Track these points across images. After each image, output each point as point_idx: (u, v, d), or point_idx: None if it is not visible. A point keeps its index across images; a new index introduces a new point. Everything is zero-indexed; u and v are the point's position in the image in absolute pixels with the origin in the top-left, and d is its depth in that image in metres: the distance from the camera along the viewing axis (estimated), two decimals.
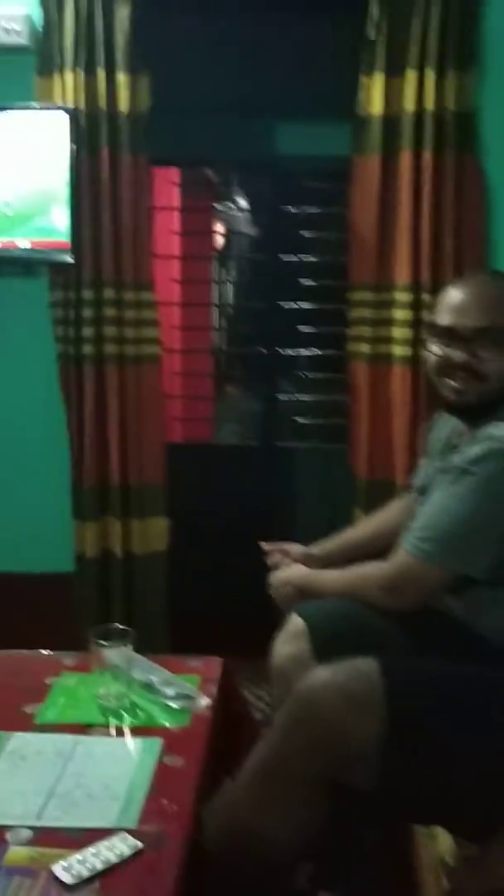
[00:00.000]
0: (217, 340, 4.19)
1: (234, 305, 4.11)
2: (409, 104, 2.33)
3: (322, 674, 1.41)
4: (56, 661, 1.84)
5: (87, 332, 2.49)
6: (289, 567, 1.87)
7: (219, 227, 4.09)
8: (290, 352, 2.97)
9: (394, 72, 2.34)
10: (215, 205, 4.19)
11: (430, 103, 2.32)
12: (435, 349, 1.62)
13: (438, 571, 1.56)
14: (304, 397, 3.14)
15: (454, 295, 1.62)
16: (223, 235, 4.21)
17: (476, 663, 1.50)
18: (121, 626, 1.70)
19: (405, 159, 2.36)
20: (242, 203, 4.78)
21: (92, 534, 2.58)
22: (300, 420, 3.12)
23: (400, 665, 1.47)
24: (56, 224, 2.42)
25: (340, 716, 1.33)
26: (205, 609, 2.78)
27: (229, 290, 4.27)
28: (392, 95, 2.36)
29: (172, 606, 2.67)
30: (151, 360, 2.55)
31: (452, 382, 1.60)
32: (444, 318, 1.61)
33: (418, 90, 2.32)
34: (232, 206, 4.65)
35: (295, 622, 1.71)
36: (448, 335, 1.60)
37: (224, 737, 1.69)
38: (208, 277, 3.68)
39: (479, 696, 1.43)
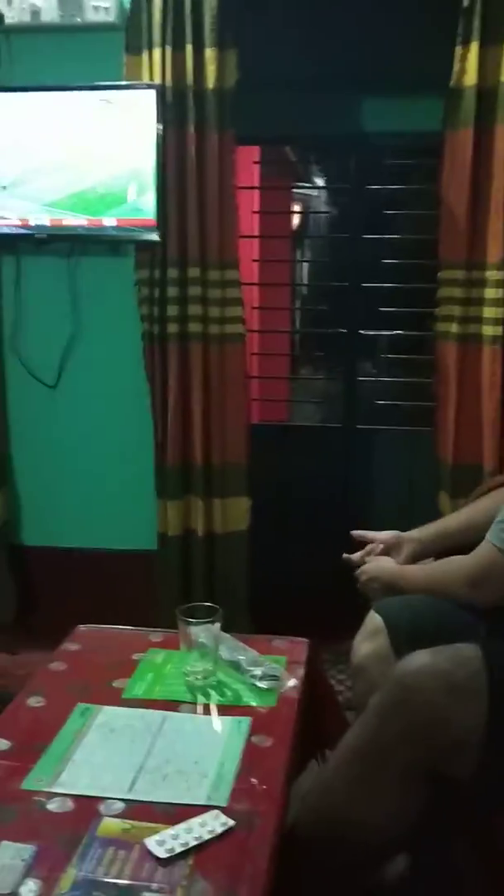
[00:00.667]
0: (295, 321, 4.16)
1: (313, 285, 4.07)
2: None
3: (423, 658, 1.38)
4: (143, 638, 1.85)
5: (172, 310, 2.49)
6: (377, 560, 1.85)
7: (298, 207, 4.05)
8: (371, 333, 2.92)
9: (490, 41, 2.25)
10: (295, 184, 4.16)
11: None
12: None
13: None
14: (386, 379, 3.10)
15: None
16: (302, 214, 4.18)
17: None
18: (209, 604, 1.70)
19: (501, 133, 2.28)
20: (321, 182, 4.72)
21: (174, 512, 2.60)
22: (381, 402, 3.08)
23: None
24: (142, 203, 2.43)
25: (442, 702, 1.30)
26: (285, 589, 2.78)
27: (307, 270, 4.24)
28: (488, 66, 2.27)
29: (252, 586, 2.67)
30: (236, 339, 2.53)
31: None
32: None
33: None
34: (311, 184, 4.59)
35: (374, 619, 1.70)
36: None
37: (309, 718, 1.68)
38: (287, 257, 3.65)
39: None
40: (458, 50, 2.28)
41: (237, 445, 2.58)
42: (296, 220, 4.07)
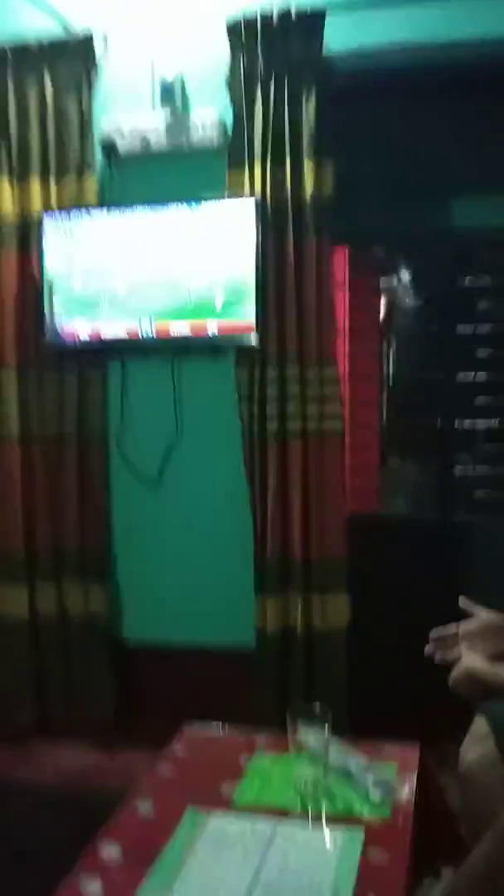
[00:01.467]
0: (386, 413, 4.18)
1: (404, 377, 4.11)
2: None
3: None
4: (250, 741, 1.83)
5: (271, 409, 2.55)
6: (467, 656, 1.77)
7: (386, 302, 4.12)
8: (466, 423, 2.91)
9: None
10: (382, 279, 4.26)
11: None
12: None
13: None
14: (483, 469, 3.06)
15: None
16: (390, 310, 4.25)
17: None
18: (319, 704, 1.68)
19: None
20: (408, 278, 4.81)
21: (273, 608, 2.59)
22: (478, 493, 3.03)
23: None
24: (243, 308, 2.52)
25: None
26: (386, 688, 2.71)
27: (397, 362, 4.27)
28: None
29: (352, 685, 2.61)
30: (333, 434, 2.56)
31: None
32: None
33: None
34: (399, 280, 4.69)
35: (480, 723, 1.64)
36: None
37: (422, 829, 1.62)
38: (376, 351, 3.70)
39: None
40: None
41: (335, 540, 2.57)
42: (387, 314, 4.14)
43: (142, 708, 2.81)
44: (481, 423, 3.12)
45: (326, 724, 1.63)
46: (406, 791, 1.60)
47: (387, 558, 2.89)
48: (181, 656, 2.81)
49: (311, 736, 1.63)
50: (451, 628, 1.82)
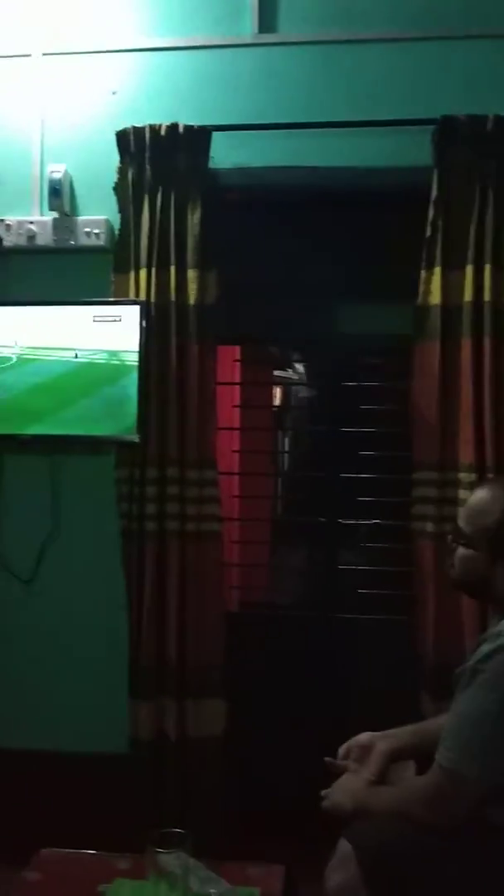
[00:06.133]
0: (276, 508, 4.22)
1: (293, 474, 4.17)
2: (468, 295, 2.42)
3: None
4: (110, 865, 1.76)
5: (151, 508, 2.53)
6: (341, 782, 1.80)
7: (278, 399, 4.21)
8: (350, 522, 2.96)
9: (451, 266, 2.44)
10: (276, 374, 4.36)
11: (488, 295, 2.40)
12: None
13: (470, 782, 1.51)
14: (366, 567, 3.09)
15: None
16: (282, 407, 4.34)
17: None
18: (179, 830, 1.62)
19: (465, 346, 2.42)
20: (302, 373, 4.94)
21: (147, 714, 2.51)
22: (363, 591, 3.06)
23: None
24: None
25: None
26: (265, 795, 2.65)
27: (288, 459, 4.34)
28: (450, 288, 2.44)
29: (231, 794, 2.54)
30: (212, 536, 2.56)
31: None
32: None
33: (476, 283, 2.41)
34: (292, 375, 4.82)
35: (343, 846, 1.63)
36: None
37: None
38: (268, 447, 3.75)
39: None
40: (423, 273, 2.47)
41: (213, 644, 2.54)
42: (279, 411, 4.22)
43: (8, 819, 2.63)
44: (365, 523, 3.17)
45: (186, 848, 1.58)
46: None
47: (270, 654, 2.87)
48: (53, 761, 2.67)
49: (171, 861, 1.57)
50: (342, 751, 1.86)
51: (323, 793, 1.81)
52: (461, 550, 1.77)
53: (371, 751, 1.82)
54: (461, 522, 1.79)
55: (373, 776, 1.76)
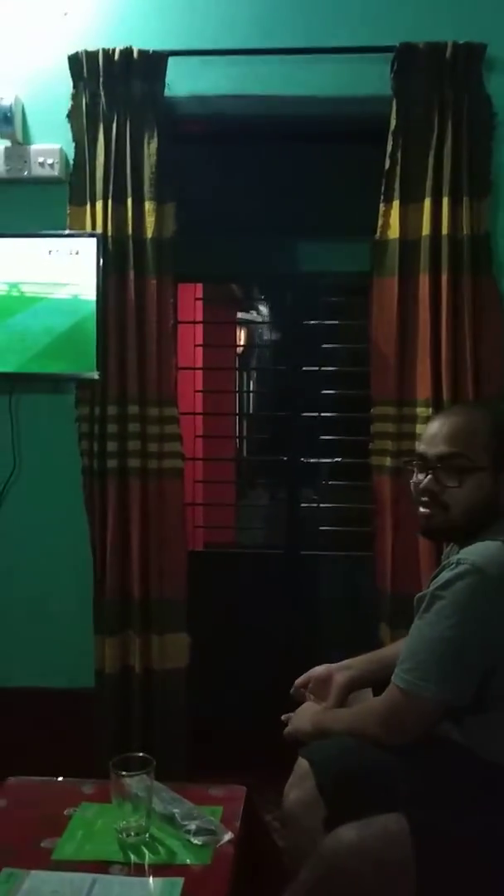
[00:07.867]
0: (239, 448, 4.24)
1: (255, 414, 4.18)
2: (426, 229, 2.41)
3: (349, 835, 1.37)
4: (75, 790, 1.80)
5: (112, 446, 2.52)
6: (301, 709, 1.87)
7: (241, 339, 4.19)
8: (312, 460, 2.99)
9: (410, 199, 2.43)
10: (238, 315, 4.33)
11: (445, 228, 2.39)
12: (413, 476, 1.76)
13: (425, 701, 1.55)
14: (328, 505, 3.13)
15: (432, 424, 1.76)
16: (245, 347, 4.32)
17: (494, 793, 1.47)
18: (142, 755, 1.67)
19: (423, 281, 2.42)
20: (265, 313, 4.92)
21: (112, 649, 2.55)
22: (324, 528, 3.10)
23: (432, 821, 1.42)
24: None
25: (368, 883, 1.29)
26: (226, 725, 2.71)
27: (251, 399, 4.34)
28: (409, 221, 2.43)
29: (193, 722, 2.60)
30: (173, 473, 2.56)
31: (421, 509, 1.73)
32: (418, 445, 1.79)
33: (434, 216, 2.40)
34: (254, 315, 4.79)
35: (300, 764, 1.69)
36: (419, 461, 1.74)
37: (247, 871, 1.63)
38: (231, 387, 3.75)
39: None
40: (382, 207, 2.45)
41: (176, 580, 2.56)
42: (242, 350, 4.21)
43: None
44: (326, 461, 3.20)
45: (150, 772, 1.63)
46: (228, 836, 1.60)
47: (235, 591, 2.92)
48: (17, 698, 2.71)
49: (135, 783, 1.62)
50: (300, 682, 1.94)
51: (284, 717, 1.87)
52: (466, 481, 1.65)
53: (329, 683, 1.88)
54: (456, 448, 1.66)
55: (332, 707, 1.83)
